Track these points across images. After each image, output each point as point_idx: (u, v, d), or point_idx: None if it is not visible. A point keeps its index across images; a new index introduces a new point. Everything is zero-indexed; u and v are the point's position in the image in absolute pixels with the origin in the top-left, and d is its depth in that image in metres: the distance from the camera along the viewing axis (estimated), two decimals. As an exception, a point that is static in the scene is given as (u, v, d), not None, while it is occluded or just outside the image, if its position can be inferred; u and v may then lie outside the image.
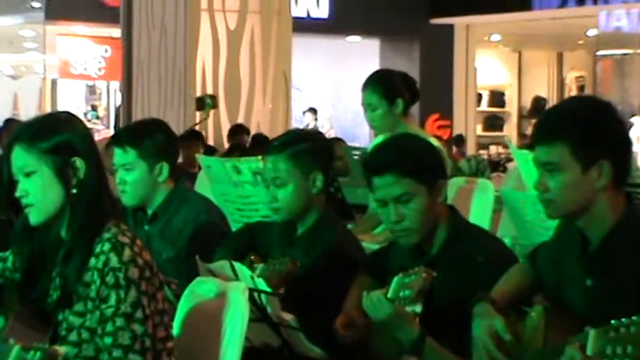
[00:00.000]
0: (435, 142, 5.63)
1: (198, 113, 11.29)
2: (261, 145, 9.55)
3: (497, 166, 15.04)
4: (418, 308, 3.34)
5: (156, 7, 11.41)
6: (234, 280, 3.60)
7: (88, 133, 3.28)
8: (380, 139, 5.75)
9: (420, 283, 3.33)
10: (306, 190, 4.08)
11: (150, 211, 4.57)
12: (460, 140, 15.52)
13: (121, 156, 4.51)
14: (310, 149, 4.13)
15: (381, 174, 3.51)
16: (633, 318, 2.46)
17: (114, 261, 3.02)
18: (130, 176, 4.50)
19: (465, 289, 3.29)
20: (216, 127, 11.70)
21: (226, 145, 10.94)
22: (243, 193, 5.66)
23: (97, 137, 16.16)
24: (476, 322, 3.12)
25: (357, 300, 3.69)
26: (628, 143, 2.99)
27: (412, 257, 3.64)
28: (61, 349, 2.86)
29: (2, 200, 3.31)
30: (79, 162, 3.13)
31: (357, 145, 11.53)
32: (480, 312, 3.13)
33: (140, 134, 4.55)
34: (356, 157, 7.69)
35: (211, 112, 11.46)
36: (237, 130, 11.33)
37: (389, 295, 3.36)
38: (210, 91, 11.68)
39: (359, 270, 3.95)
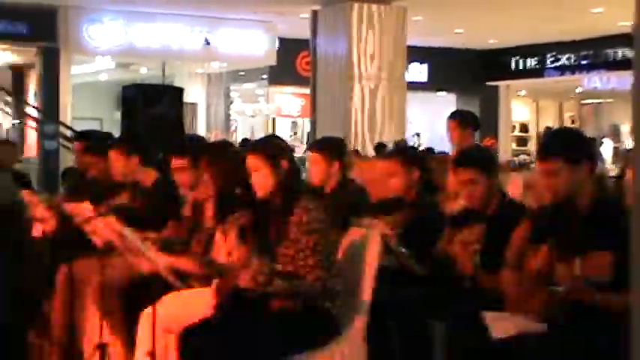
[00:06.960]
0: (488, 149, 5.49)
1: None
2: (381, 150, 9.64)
3: (523, 166, 14.57)
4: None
5: (329, 79, 11.50)
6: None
7: (287, 146, 3.28)
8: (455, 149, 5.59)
9: (476, 235, 3.23)
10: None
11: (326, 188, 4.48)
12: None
13: (311, 156, 4.41)
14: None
15: None
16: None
17: (304, 218, 3.01)
18: (314, 167, 4.38)
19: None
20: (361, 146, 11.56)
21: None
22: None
23: (297, 149, 16.36)
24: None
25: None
26: (596, 150, 2.93)
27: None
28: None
29: (242, 183, 3.30)
30: (284, 162, 3.13)
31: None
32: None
33: (327, 143, 4.46)
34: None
35: (353, 133, 11.35)
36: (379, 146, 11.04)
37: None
38: (359, 124, 11.52)
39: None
